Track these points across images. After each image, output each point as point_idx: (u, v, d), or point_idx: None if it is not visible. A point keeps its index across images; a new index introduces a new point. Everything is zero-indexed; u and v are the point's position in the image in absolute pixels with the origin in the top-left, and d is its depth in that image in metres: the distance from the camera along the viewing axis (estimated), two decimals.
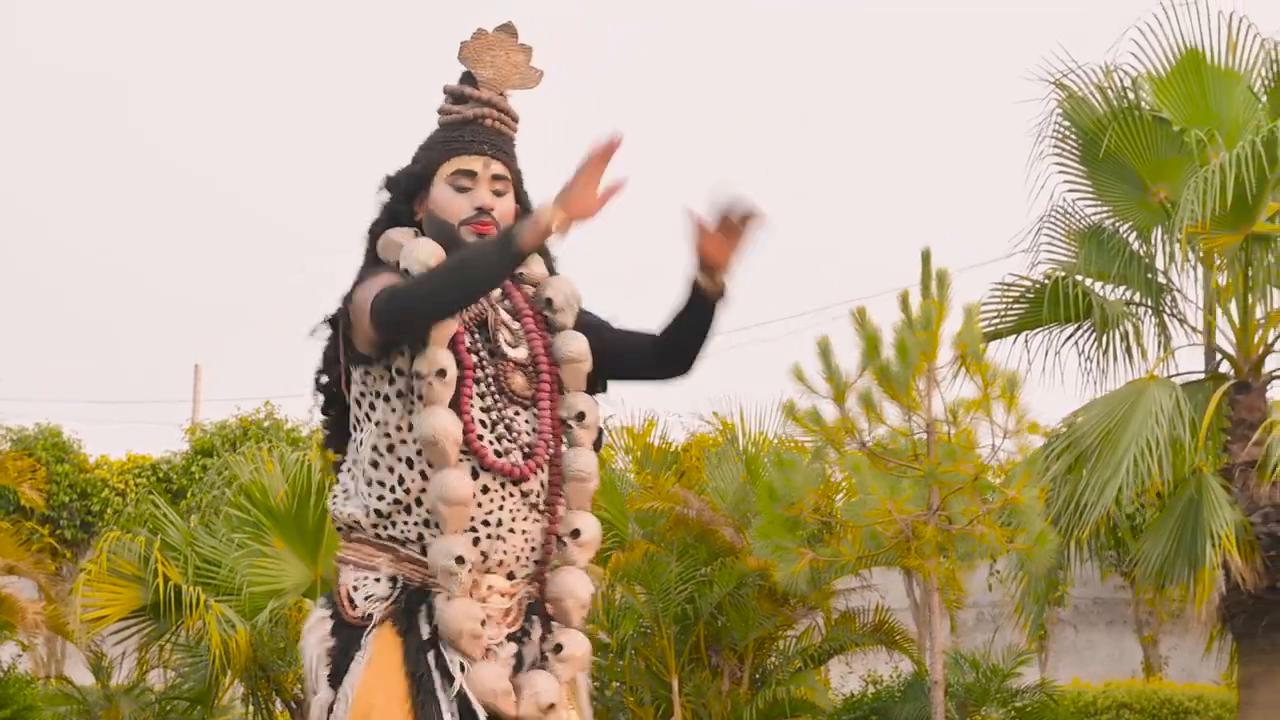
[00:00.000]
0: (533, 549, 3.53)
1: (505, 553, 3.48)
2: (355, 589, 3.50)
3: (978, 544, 10.43)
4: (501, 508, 3.47)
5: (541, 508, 3.54)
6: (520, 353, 3.60)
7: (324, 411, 3.68)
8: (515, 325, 3.62)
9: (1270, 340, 11.94)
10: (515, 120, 3.67)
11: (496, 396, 3.52)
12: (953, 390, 10.38)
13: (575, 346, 3.63)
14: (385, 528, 3.49)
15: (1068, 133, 12.03)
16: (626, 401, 20.92)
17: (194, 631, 11.54)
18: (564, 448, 3.63)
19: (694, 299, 3.55)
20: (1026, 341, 12.18)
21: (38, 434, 18.33)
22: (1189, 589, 11.22)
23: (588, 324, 3.71)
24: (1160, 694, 16.27)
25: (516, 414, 3.55)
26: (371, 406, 3.52)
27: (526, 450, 3.53)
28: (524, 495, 3.51)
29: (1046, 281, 11.83)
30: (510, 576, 3.51)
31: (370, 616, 3.46)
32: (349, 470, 3.59)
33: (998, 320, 12.01)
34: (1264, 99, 11.81)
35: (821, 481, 11.10)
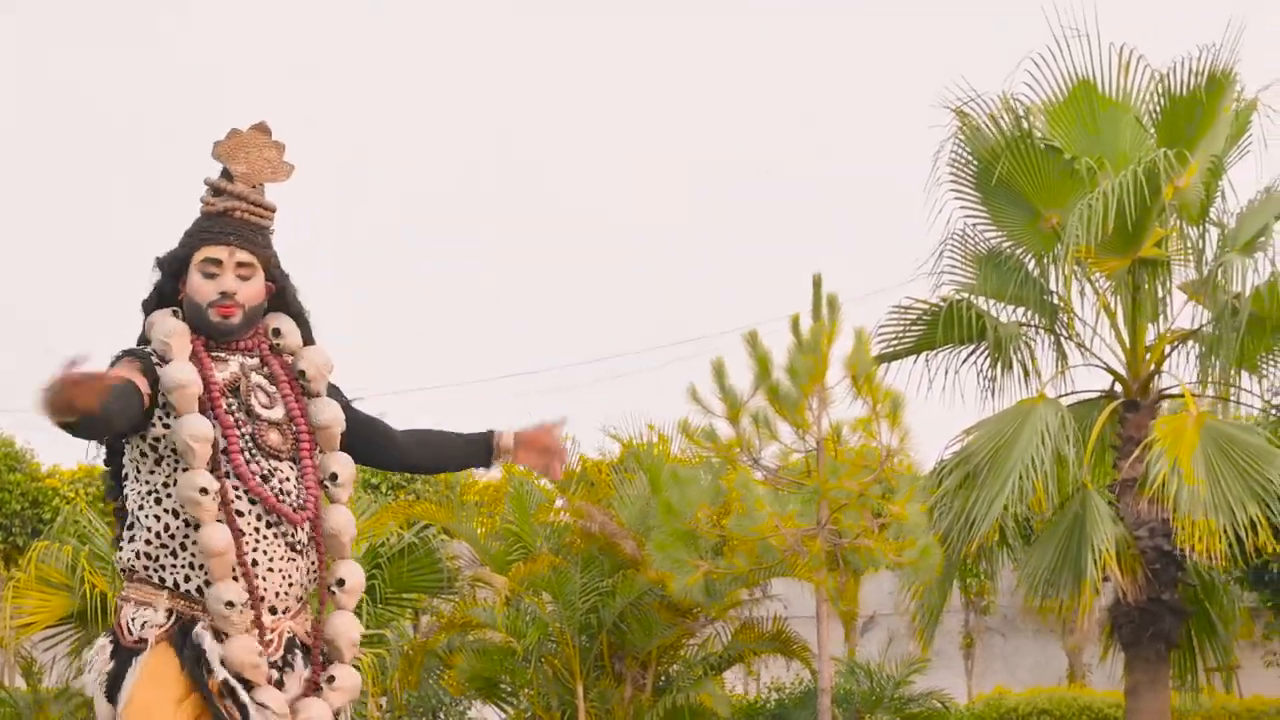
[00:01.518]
0: (290, 585, 4.02)
1: (266, 590, 3.97)
2: (133, 620, 3.98)
3: (867, 557, 10.88)
4: (256, 548, 3.96)
5: (303, 552, 4.05)
6: (276, 413, 4.10)
7: (106, 463, 4.17)
8: (272, 389, 4.11)
9: (1166, 352, 12.35)
10: (269, 210, 4.18)
11: (254, 452, 4.01)
12: (849, 410, 10.83)
13: (329, 414, 4.17)
14: (155, 570, 3.97)
15: (964, 160, 12.43)
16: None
17: None
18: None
19: (485, 450, 4.32)
20: (927, 361, 12.59)
21: None
22: (1075, 600, 11.65)
23: (339, 399, 4.26)
24: (1080, 700, 16.65)
25: (276, 468, 4.03)
26: (137, 467, 4.02)
27: (297, 501, 4.04)
28: (283, 537, 4.01)
29: (943, 304, 12.23)
30: (272, 611, 3.99)
31: (144, 640, 3.94)
32: (130, 516, 4.06)
33: (896, 342, 12.41)
34: (1152, 129, 12.20)
35: (723, 498, 11.50)
